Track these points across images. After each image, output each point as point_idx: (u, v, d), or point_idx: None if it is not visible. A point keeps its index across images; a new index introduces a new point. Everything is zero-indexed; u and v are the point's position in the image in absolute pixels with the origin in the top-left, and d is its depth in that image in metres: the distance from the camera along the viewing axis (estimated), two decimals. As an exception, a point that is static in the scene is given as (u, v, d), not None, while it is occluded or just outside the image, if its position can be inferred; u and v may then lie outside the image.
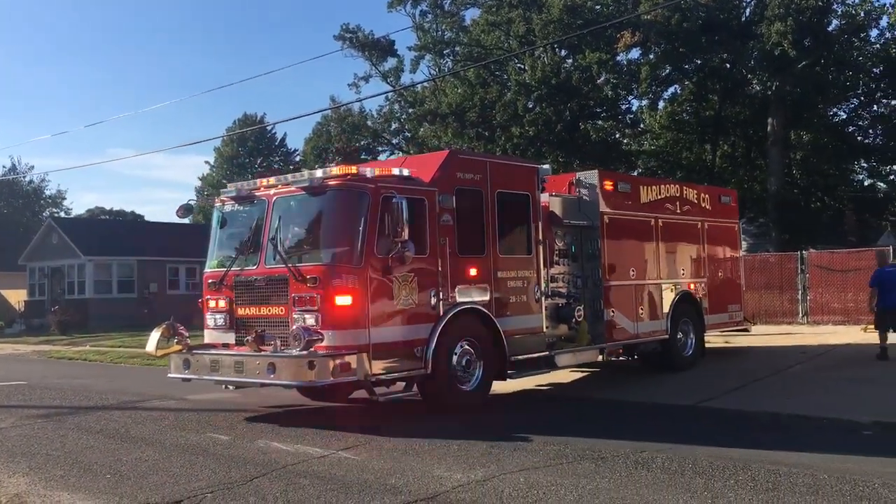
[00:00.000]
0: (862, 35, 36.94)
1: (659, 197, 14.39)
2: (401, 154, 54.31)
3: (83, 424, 10.83)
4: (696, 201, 15.41)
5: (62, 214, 67.07)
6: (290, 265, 9.64)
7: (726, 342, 18.12)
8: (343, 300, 9.35)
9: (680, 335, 14.39)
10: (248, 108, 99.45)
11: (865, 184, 43.74)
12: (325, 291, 9.33)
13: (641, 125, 43.97)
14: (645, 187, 14.28)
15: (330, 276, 9.40)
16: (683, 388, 12.43)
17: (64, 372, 19.33)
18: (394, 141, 54.00)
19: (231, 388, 11.14)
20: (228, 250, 10.77)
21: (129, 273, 39.89)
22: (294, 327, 9.37)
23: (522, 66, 38.66)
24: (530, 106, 37.52)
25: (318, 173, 10.10)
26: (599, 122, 41.70)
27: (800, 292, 22.14)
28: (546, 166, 12.35)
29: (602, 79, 37.23)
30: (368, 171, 10.00)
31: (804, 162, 41.60)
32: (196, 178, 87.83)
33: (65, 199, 71.84)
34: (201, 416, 11.27)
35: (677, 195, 14.96)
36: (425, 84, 46.83)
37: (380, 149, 56.79)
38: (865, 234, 40.13)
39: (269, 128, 66.40)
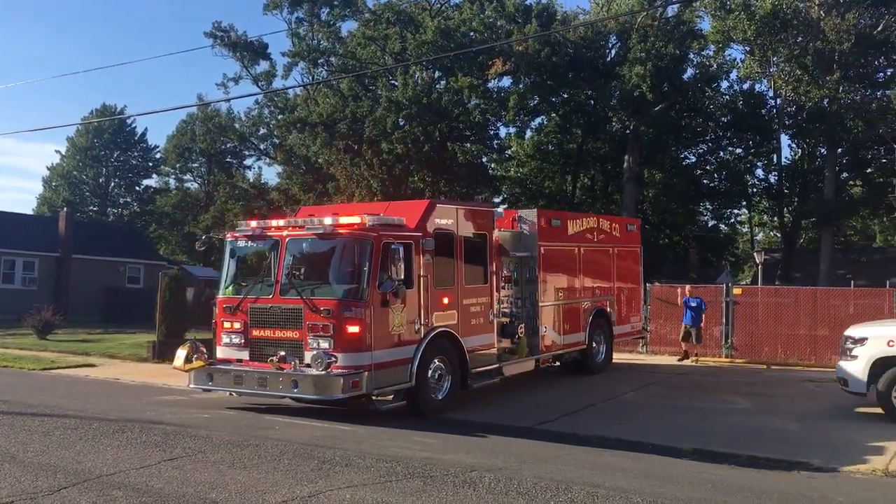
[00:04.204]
0: (713, 86, 39.64)
1: (581, 229, 16.75)
2: (267, 160, 53.24)
3: None
4: (608, 230, 17.79)
5: None
6: (306, 298, 11.21)
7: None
8: (353, 328, 11.05)
9: (594, 345, 16.78)
10: (109, 99, 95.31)
11: (709, 225, 46.75)
12: (338, 321, 11.03)
13: (508, 152, 45.02)
14: (571, 221, 16.65)
15: (342, 308, 11.09)
16: (526, 409, 12.73)
17: None
18: (261, 146, 52.83)
19: (235, 394, 12.27)
20: (240, 279, 12.55)
21: (-43, 263, 36.78)
22: (315, 350, 10.96)
23: (395, 83, 38.76)
24: (400, 123, 37.62)
25: (328, 221, 11.80)
26: (468, 145, 42.34)
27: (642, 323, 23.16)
28: (499, 210, 15.13)
29: (471, 103, 37.86)
30: (369, 219, 11.69)
31: (655, 200, 43.92)
32: (45, 167, 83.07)
33: None
34: (15, 419, 10.51)
35: (595, 226, 17.33)
36: (297, 92, 46.12)
37: (246, 153, 55.50)
38: (707, 271, 42.70)
39: (129, 121, 63.30)
